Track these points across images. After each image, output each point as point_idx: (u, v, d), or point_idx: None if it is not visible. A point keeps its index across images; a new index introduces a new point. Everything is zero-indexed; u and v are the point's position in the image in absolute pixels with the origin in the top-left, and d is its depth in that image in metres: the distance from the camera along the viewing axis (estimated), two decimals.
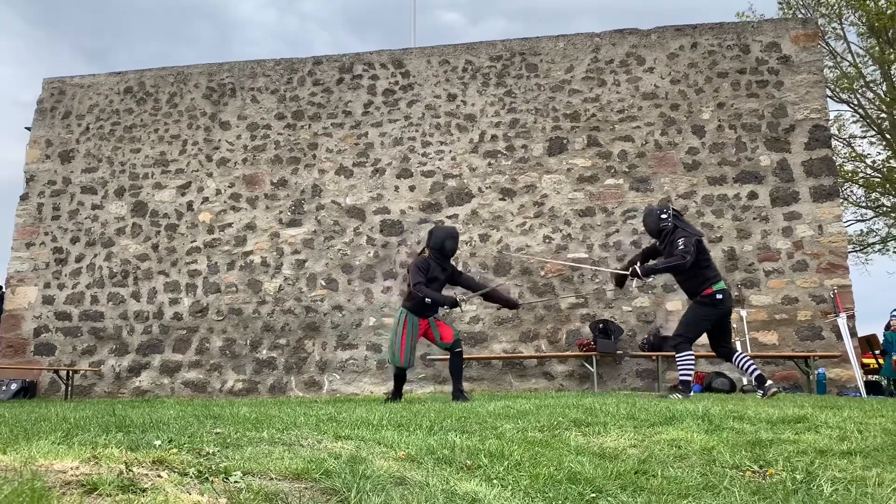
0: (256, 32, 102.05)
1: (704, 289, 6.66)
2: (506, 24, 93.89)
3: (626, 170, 11.31)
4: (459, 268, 11.07)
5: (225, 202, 12.20)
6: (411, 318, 6.95)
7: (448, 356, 7.35)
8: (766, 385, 6.52)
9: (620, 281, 7.37)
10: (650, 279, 6.55)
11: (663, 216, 6.92)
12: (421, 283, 6.80)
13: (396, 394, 7.25)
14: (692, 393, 6.79)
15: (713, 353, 7.27)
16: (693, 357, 6.72)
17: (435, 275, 6.98)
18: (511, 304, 7.71)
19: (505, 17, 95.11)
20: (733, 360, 6.79)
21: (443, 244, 7.04)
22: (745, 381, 9.87)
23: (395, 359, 6.97)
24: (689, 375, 6.68)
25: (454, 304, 7.01)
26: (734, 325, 10.32)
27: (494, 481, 2.58)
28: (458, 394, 6.87)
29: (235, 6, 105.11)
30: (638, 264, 6.99)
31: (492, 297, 7.67)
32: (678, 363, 6.75)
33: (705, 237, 7.17)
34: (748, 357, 6.88)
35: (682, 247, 6.59)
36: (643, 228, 10.89)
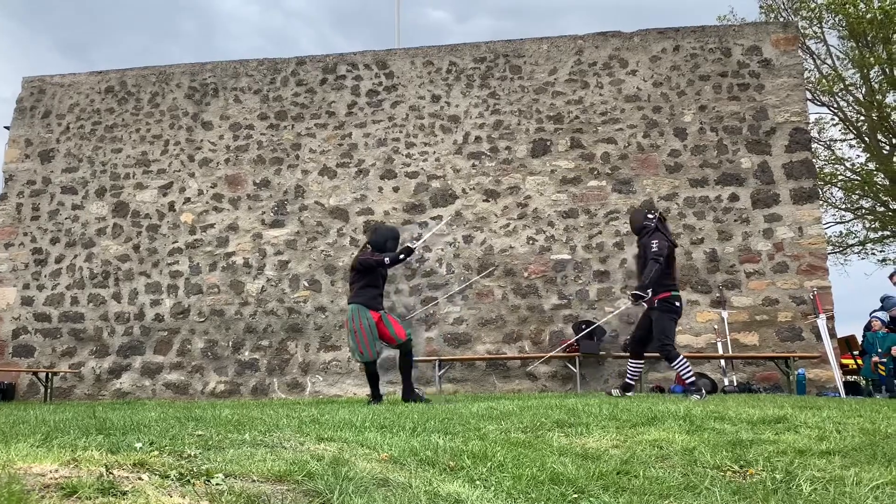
0: (240, 28, 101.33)
1: (661, 293, 6.96)
2: (493, 23, 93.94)
3: (609, 172, 11.36)
4: (443, 269, 11.09)
5: (207, 203, 12.12)
6: (363, 312, 7.02)
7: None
8: (627, 393, 7.15)
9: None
10: (647, 294, 7.00)
11: (649, 216, 7.29)
12: (378, 255, 7.09)
13: (375, 395, 7.26)
14: (704, 392, 6.92)
15: (693, 354, 7.35)
16: (685, 357, 7.02)
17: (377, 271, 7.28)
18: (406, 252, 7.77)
19: (492, 16, 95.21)
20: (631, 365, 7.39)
21: (385, 244, 7.28)
22: (726, 382, 9.95)
23: (360, 355, 7.02)
24: (692, 375, 6.92)
25: (410, 251, 7.32)
26: (715, 326, 10.42)
27: (477, 482, 2.59)
28: (410, 392, 6.99)
29: (219, 1, 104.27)
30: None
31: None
32: (677, 369, 6.95)
33: (680, 247, 7.62)
34: (640, 367, 7.41)
35: (655, 249, 6.96)
36: (626, 230, 10.98)
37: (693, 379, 6.85)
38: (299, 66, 12.60)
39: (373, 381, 7.24)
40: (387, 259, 7.05)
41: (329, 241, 11.65)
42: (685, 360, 6.91)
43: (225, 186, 12.15)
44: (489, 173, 11.60)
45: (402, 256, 7.19)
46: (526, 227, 11.31)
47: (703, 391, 6.83)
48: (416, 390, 7.24)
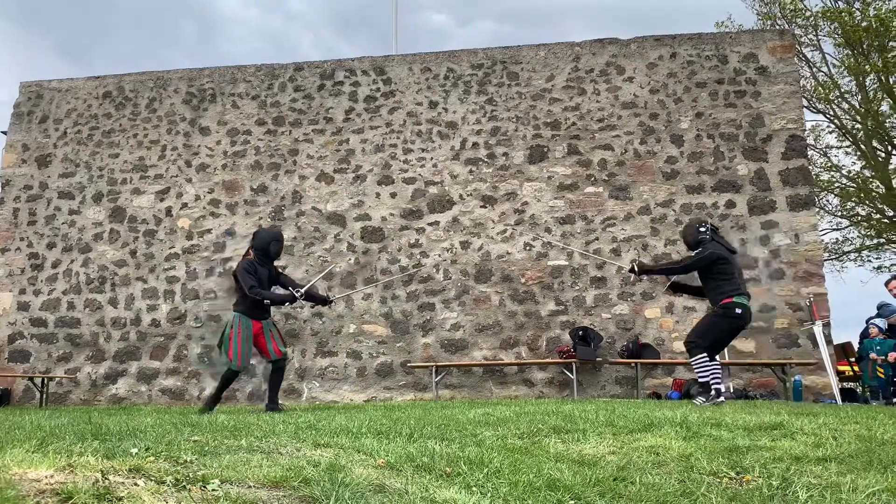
0: (240, 31, 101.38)
1: (721, 300, 6.79)
2: (494, 26, 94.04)
3: (606, 178, 11.38)
4: (440, 275, 11.08)
5: (204, 208, 12.12)
6: (244, 321, 6.99)
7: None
8: (712, 397, 6.57)
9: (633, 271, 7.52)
10: (644, 277, 6.86)
11: (701, 229, 7.22)
12: (255, 286, 6.93)
13: (216, 400, 7.24)
14: (721, 398, 6.68)
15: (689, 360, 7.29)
16: (706, 358, 6.73)
17: (260, 276, 7.08)
18: (322, 301, 7.72)
19: (493, 19, 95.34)
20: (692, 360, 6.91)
21: (268, 246, 7.18)
22: (722, 388, 9.93)
23: (229, 362, 6.98)
24: (710, 377, 6.69)
25: (293, 299, 7.16)
26: None
27: (474, 489, 2.58)
28: (273, 405, 7.06)
29: (219, 3, 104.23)
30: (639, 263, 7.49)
31: (311, 296, 7.58)
32: (694, 367, 6.87)
33: (737, 254, 7.43)
34: (716, 365, 6.88)
35: (693, 255, 7.04)
36: (623, 236, 11.00)
37: (706, 380, 6.66)
38: (297, 72, 12.61)
39: (223, 387, 7.21)
40: (266, 300, 6.96)
41: (326, 247, 11.65)
42: (706, 361, 6.67)
43: (222, 192, 12.15)
44: (486, 179, 11.62)
45: (280, 301, 7.13)
46: (523, 233, 11.32)
47: (708, 399, 6.54)
48: (280, 404, 7.34)
